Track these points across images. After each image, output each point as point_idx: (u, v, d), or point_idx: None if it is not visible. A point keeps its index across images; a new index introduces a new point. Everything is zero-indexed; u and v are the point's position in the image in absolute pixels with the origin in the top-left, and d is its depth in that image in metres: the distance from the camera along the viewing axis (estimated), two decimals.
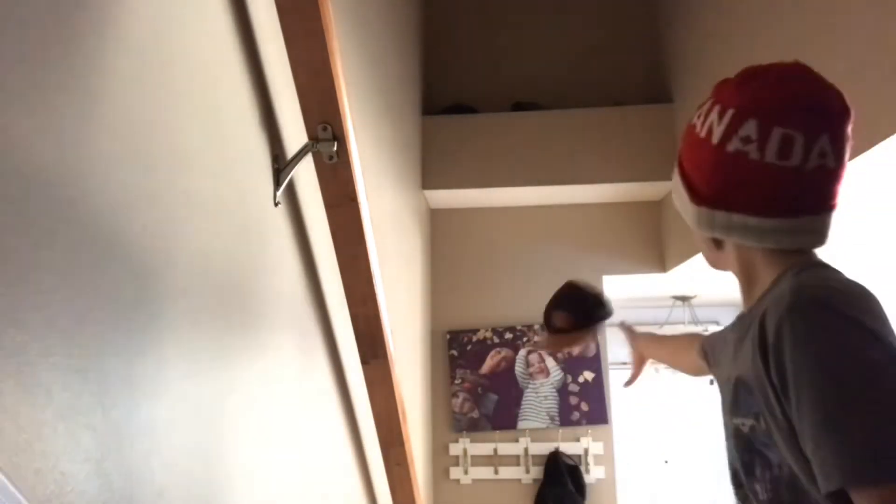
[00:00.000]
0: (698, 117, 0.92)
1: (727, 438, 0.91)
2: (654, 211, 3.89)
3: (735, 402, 0.86)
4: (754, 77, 0.87)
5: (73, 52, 0.74)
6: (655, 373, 6.07)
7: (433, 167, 3.68)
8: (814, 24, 2.08)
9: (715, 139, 0.86)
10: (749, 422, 0.82)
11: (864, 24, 1.85)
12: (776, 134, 0.81)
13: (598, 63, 4.04)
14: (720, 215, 0.87)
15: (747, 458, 0.84)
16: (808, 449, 0.71)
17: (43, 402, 0.67)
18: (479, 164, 3.66)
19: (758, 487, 0.83)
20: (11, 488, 0.61)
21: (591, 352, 3.75)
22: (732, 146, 0.84)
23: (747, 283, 0.92)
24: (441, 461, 3.73)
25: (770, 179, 0.82)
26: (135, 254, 0.85)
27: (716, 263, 0.99)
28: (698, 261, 3.43)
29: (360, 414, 1.94)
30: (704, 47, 3.19)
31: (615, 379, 3.93)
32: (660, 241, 3.86)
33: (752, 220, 0.84)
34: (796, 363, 0.73)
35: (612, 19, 4.11)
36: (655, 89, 3.87)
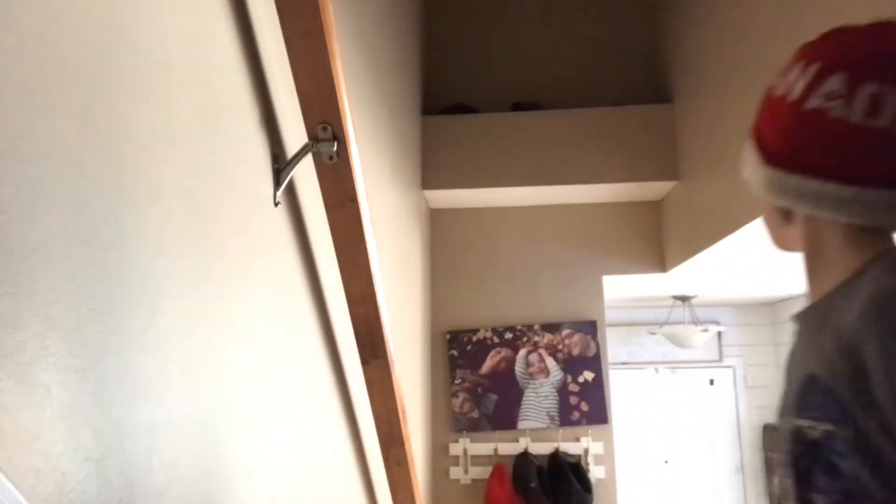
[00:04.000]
0: (780, 77, 0.83)
1: (778, 439, 0.81)
2: (654, 211, 3.89)
3: (803, 402, 0.76)
4: (845, 30, 0.79)
5: (72, 52, 0.74)
6: (655, 373, 6.07)
7: (433, 167, 3.68)
8: (816, 25, 2.08)
9: (794, 95, 0.78)
10: (824, 426, 0.72)
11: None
12: (865, 91, 0.73)
13: (598, 63, 4.04)
14: (793, 179, 0.78)
15: (804, 464, 0.75)
16: None
17: (43, 402, 0.67)
18: (479, 164, 3.66)
19: (817, 499, 0.73)
20: (11, 488, 0.61)
21: (592, 352, 3.76)
22: (812, 103, 0.76)
23: (815, 265, 0.81)
24: (441, 461, 3.73)
25: (853, 141, 0.73)
26: (134, 253, 0.85)
27: (782, 241, 0.88)
28: (698, 261, 3.43)
29: (360, 414, 1.94)
30: (704, 47, 3.19)
31: (615, 379, 3.92)
32: (660, 241, 3.86)
33: (828, 187, 0.75)
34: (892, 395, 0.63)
35: (612, 19, 4.11)
36: (655, 89, 3.87)
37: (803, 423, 0.75)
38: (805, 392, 0.76)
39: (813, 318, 0.80)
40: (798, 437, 0.76)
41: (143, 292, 0.87)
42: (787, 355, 0.87)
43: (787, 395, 0.82)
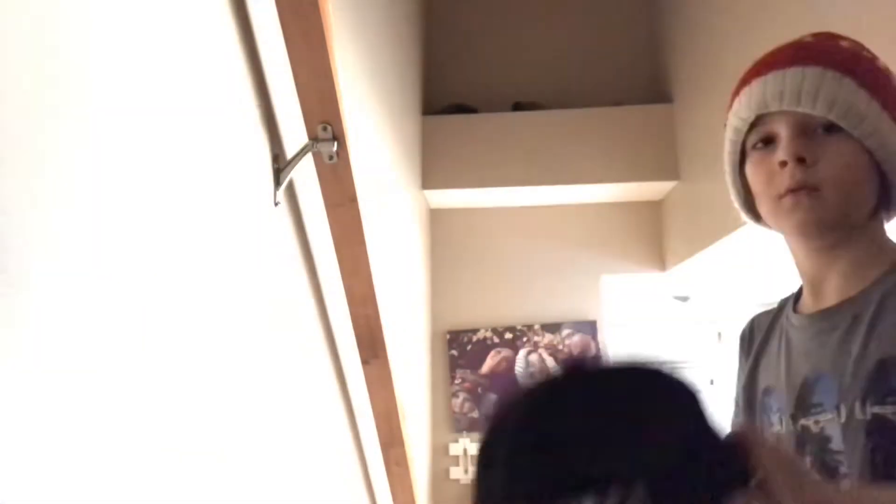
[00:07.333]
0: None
1: (850, 436, 0.72)
2: (654, 211, 3.88)
3: (883, 387, 0.69)
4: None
5: (72, 52, 0.74)
6: None
7: (433, 167, 3.67)
8: (815, 24, 2.08)
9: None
10: None
11: (867, 23, 1.85)
12: None
13: (598, 63, 4.03)
14: None
15: (881, 455, 0.69)
16: None
17: (42, 402, 0.67)
18: (479, 164, 3.66)
19: None
20: (9, 490, 0.61)
21: (592, 352, 3.75)
22: None
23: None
24: (441, 461, 3.72)
25: None
26: (135, 252, 0.85)
27: None
28: (698, 261, 3.43)
29: (360, 414, 1.94)
30: (704, 47, 3.19)
31: None
32: (660, 241, 3.86)
33: None
34: None
35: (612, 19, 4.11)
36: (655, 89, 3.87)
37: (882, 409, 0.69)
38: (884, 376, 0.69)
39: (859, 305, 0.75)
40: (879, 424, 0.69)
41: (144, 292, 0.87)
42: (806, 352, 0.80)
43: (849, 386, 0.73)
